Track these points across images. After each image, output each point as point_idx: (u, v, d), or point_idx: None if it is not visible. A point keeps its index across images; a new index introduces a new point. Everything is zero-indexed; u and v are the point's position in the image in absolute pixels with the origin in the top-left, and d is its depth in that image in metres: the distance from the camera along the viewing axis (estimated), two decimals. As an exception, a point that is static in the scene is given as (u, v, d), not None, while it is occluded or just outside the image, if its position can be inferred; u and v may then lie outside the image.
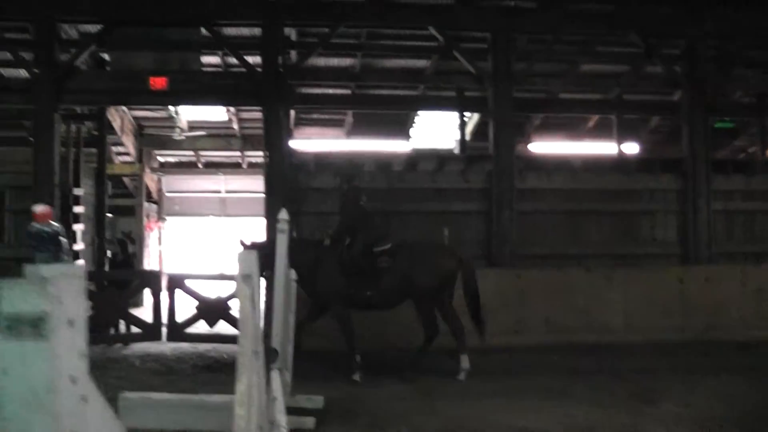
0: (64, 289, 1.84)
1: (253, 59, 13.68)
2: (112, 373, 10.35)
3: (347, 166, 11.68)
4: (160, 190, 23.61)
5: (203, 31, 13.58)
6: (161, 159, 23.52)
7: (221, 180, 24.43)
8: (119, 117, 18.60)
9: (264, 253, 8.93)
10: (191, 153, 23.24)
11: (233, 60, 15.88)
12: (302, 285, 9.80)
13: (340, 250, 10.13)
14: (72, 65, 13.25)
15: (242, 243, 10.31)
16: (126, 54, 13.46)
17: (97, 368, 10.62)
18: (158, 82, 12.87)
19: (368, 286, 10.01)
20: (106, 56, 14.81)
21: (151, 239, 21.85)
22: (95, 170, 15.77)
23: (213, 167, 24.19)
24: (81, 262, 14.44)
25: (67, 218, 13.57)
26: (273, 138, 13.24)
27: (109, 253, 16.06)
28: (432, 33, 13.99)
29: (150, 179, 22.09)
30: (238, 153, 23.28)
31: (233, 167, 24.26)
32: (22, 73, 14.71)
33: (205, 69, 14.96)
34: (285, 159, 13.34)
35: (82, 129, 15.05)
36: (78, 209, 14.25)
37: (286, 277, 7.35)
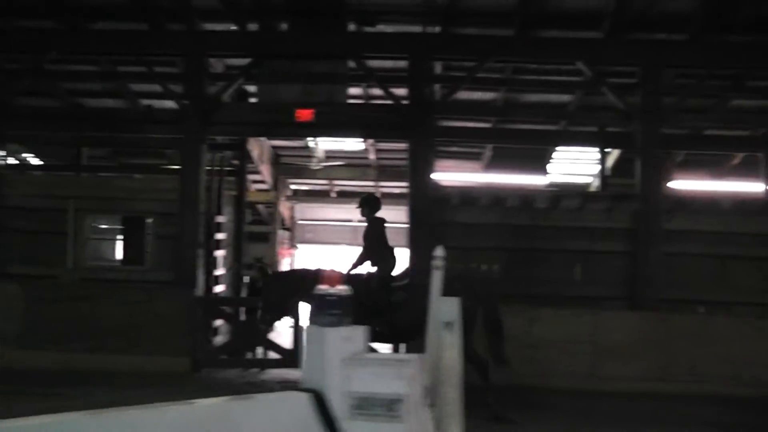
0: (417, 371, 1.88)
1: (397, 91, 13.86)
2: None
3: (371, 198, 11.35)
4: (293, 218, 24.16)
5: (350, 63, 13.89)
6: (294, 187, 24.07)
7: (353, 209, 24.70)
8: (258, 146, 19.15)
9: (292, 284, 10.09)
10: (325, 182, 23.70)
11: (375, 92, 16.17)
12: None
13: (358, 281, 9.90)
14: (219, 98, 13.77)
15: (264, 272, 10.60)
16: (272, 86, 13.84)
17: (236, 392, 11.03)
18: (304, 114, 13.21)
19: (377, 320, 9.73)
20: (249, 89, 15.32)
21: (284, 266, 22.33)
22: (234, 198, 16.28)
23: (346, 196, 24.55)
24: (221, 287, 14.95)
25: (209, 244, 14.06)
26: (418, 171, 13.37)
27: (246, 279, 16.52)
28: (578, 67, 13.88)
29: (284, 207, 22.64)
30: (372, 183, 23.56)
31: (366, 197, 24.52)
32: (168, 104, 15.39)
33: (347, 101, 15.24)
34: (429, 192, 13.44)
35: (224, 158, 15.60)
36: (219, 236, 14.73)
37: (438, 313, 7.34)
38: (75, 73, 16.50)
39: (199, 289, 13.44)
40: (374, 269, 10.41)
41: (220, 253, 14.68)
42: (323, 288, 3.50)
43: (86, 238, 14.89)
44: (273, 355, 13.39)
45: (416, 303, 9.13)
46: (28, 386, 10.98)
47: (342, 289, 3.64)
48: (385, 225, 10.72)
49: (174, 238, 13.70)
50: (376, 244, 10.46)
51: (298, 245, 24.41)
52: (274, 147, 21.12)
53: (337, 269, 10.04)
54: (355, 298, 8.65)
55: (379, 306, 10.01)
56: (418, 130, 13.32)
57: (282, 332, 13.72)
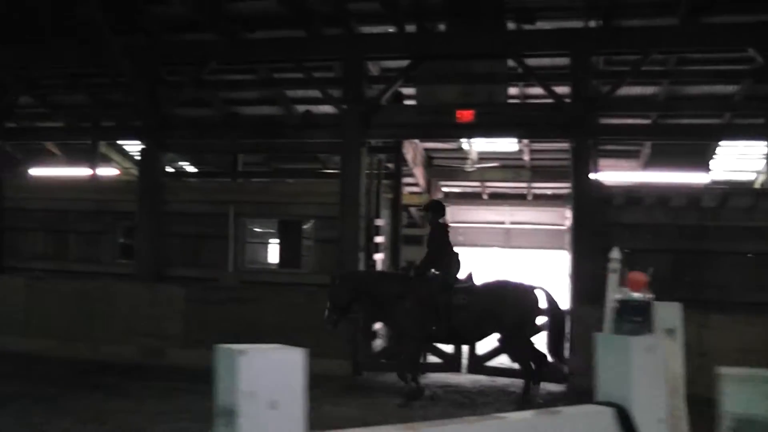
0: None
1: (557, 89, 13.59)
2: (415, 402, 10.77)
3: (435, 204, 11.65)
4: (444, 221, 24.10)
5: (509, 62, 13.72)
6: (446, 189, 24.02)
7: (506, 211, 24.51)
8: (412, 149, 19.20)
9: (358, 286, 10.91)
10: (476, 184, 23.56)
11: (531, 91, 15.93)
12: (382, 314, 11.12)
13: (422, 284, 10.67)
14: (378, 100, 13.86)
15: (332, 276, 11.22)
16: (431, 88, 13.84)
17: (397, 396, 11.01)
18: (465, 115, 13.13)
19: (436, 322, 10.49)
20: (404, 91, 15.36)
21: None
22: (391, 201, 16.36)
23: (498, 198, 24.34)
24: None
25: (369, 248, 14.16)
26: (580, 170, 13.06)
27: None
28: (747, 55, 13.24)
29: (436, 210, 22.58)
30: (524, 184, 23.27)
31: (518, 198, 24.27)
32: (324, 108, 15.61)
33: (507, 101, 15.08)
34: (592, 192, 13.10)
35: (382, 161, 15.70)
36: (378, 239, 14.83)
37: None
38: (233, 82, 17.01)
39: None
40: (437, 272, 10.89)
41: (379, 257, 14.78)
42: (624, 292, 3.37)
43: (245, 242, 15.25)
44: (433, 358, 13.37)
45: (476, 305, 10.52)
46: (192, 384, 11.42)
47: (643, 293, 3.50)
48: (449, 230, 11.23)
49: (334, 242, 13.89)
50: (440, 248, 10.94)
51: (450, 248, 24.31)
52: (427, 149, 21.15)
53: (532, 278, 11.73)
54: (417, 299, 9.89)
55: (440, 307, 10.50)
56: (580, 129, 13.00)
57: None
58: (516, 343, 10.86)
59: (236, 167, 17.94)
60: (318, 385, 10.93)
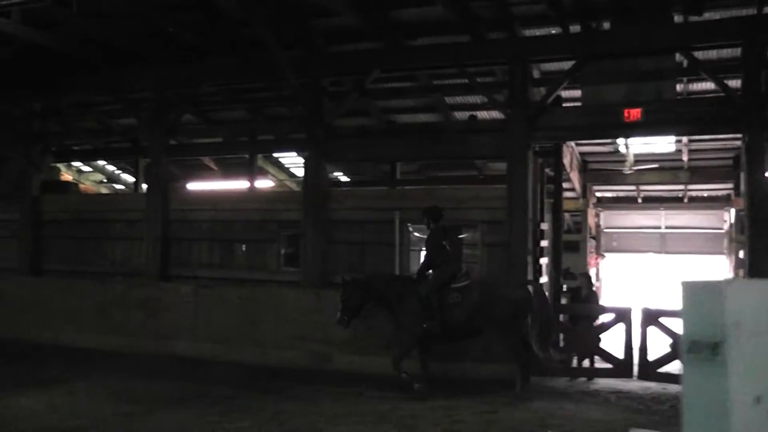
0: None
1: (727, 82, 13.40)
2: (586, 407, 11.15)
3: (433, 210, 12.55)
4: (598, 226, 23.99)
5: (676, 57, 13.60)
6: (599, 194, 23.89)
7: (661, 215, 24.16)
8: (568, 153, 19.25)
9: (366, 288, 12.17)
10: (632, 187, 23.33)
11: (696, 86, 15.72)
12: (393, 313, 12.22)
13: (420, 284, 11.90)
14: (543, 103, 14.02)
15: (343, 279, 12.48)
16: (597, 88, 13.89)
17: (571, 400, 11.14)
18: (633, 114, 13.14)
19: (431, 319, 11.65)
20: (563, 94, 15.45)
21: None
22: (551, 205, 16.43)
23: (652, 202, 24.03)
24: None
25: (535, 252, 14.29)
26: (754, 167, 12.84)
27: (564, 287, 16.58)
28: None
29: (590, 214, 22.54)
30: (680, 187, 22.90)
31: (673, 201, 23.90)
32: (484, 114, 15.75)
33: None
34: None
35: (544, 165, 15.80)
36: (543, 243, 14.95)
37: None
38: (394, 90, 17.40)
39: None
40: (434, 273, 12.06)
41: (544, 261, 14.88)
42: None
43: (409, 248, 15.56)
44: (602, 364, 13.40)
45: (468, 303, 11.56)
46: (363, 388, 12.08)
47: None
48: (446, 233, 12.42)
49: (501, 246, 14.03)
50: (436, 251, 12.12)
51: (605, 254, 24.17)
52: (582, 153, 21.13)
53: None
54: (416, 296, 11.39)
55: (435, 306, 11.63)
56: (754, 123, 12.77)
57: (611, 340, 13.61)
58: (508, 337, 11.76)
59: (394, 176, 18.35)
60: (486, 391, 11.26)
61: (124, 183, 28.83)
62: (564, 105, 15.48)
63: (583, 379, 13.45)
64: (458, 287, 11.86)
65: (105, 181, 29.22)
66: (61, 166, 23.71)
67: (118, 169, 28.45)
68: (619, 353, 13.25)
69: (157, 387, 12.00)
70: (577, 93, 15.11)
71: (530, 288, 12.11)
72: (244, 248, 16.74)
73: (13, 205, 19.60)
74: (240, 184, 22.36)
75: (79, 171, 27.95)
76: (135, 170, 23.67)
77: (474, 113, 16.06)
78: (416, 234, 15.53)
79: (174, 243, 17.13)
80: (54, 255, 19.23)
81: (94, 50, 16.55)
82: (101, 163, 27.87)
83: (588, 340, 13.44)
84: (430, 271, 12.16)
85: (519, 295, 11.85)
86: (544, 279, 14.99)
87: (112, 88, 18.07)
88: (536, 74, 16.01)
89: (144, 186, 21.70)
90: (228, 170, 23.94)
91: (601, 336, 13.62)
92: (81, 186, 24.55)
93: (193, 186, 23.53)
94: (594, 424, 10.06)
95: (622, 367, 13.10)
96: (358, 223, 15.53)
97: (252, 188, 20.26)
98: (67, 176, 25.00)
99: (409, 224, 15.32)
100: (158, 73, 17.00)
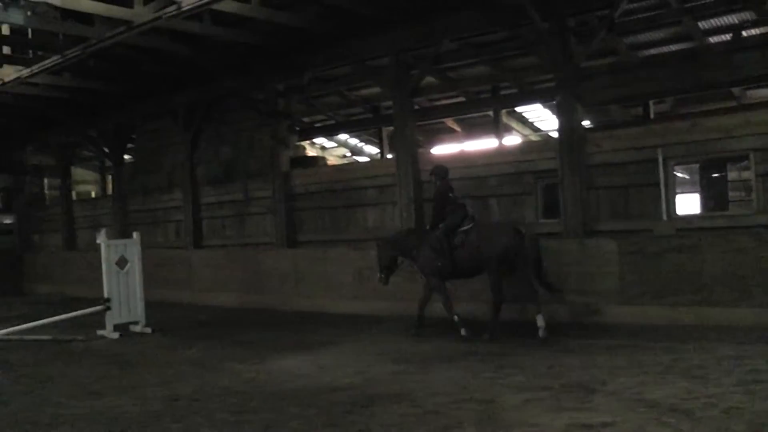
0: None
1: None
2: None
3: (440, 168, 13.94)
4: None
5: None
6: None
7: None
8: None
9: (395, 245, 14.03)
10: None
11: None
12: (416, 264, 13.89)
13: (432, 233, 13.44)
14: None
15: (376, 243, 14.49)
16: None
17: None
18: None
19: (442, 260, 13.21)
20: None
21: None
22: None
23: None
24: None
25: None
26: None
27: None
28: None
29: None
30: None
31: None
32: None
33: None
34: None
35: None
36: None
37: None
38: (643, 20, 16.77)
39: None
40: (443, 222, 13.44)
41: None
42: None
43: (675, 188, 15.01)
44: None
45: (468, 244, 13.02)
46: (638, 339, 11.74)
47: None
48: (451, 187, 13.73)
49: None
50: (442, 203, 13.54)
51: None
52: None
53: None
54: (429, 243, 13.39)
55: (444, 248, 13.16)
56: None
57: None
58: (492, 275, 12.84)
59: (647, 117, 17.74)
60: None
61: (368, 155, 29.53)
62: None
63: None
64: (463, 230, 13.21)
65: (348, 154, 30.16)
66: (305, 144, 24.88)
67: (361, 141, 29.26)
68: None
69: (426, 346, 12.27)
70: None
71: (521, 231, 12.96)
72: (496, 203, 16.83)
73: (266, 182, 20.78)
74: (484, 144, 22.39)
75: (323, 147, 29.18)
76: (379, 140, 24.29)
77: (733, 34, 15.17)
78: (680, 174, 14.91)
79: (427, 204, 17.20)
80: (308, 226, 20.30)
81: (332, 23, 17.08)
82: (343, 137, 28.58)
83: None
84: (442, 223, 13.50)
85: (506, 238, 12.81)
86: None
87: (351, 58, 18.67)
88: None
89: (389, 156, 22.68)
90: (471, 130, 24.07)
91: None
92: (327, 160, 25.31)
93: (437, 150, 23.66)
94: None
95: None
96: (618, 165, 15.16)
97: (500, 145, 20.21)
98: (311, 152, 26.10)
99: (672, 161, 14.68)
100: (396, 37, 17.30)
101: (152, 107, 23.51)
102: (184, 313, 18.75)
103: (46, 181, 32.20)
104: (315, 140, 28.64)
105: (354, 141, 29.33)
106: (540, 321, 12.39)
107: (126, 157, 27.08)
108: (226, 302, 19.86)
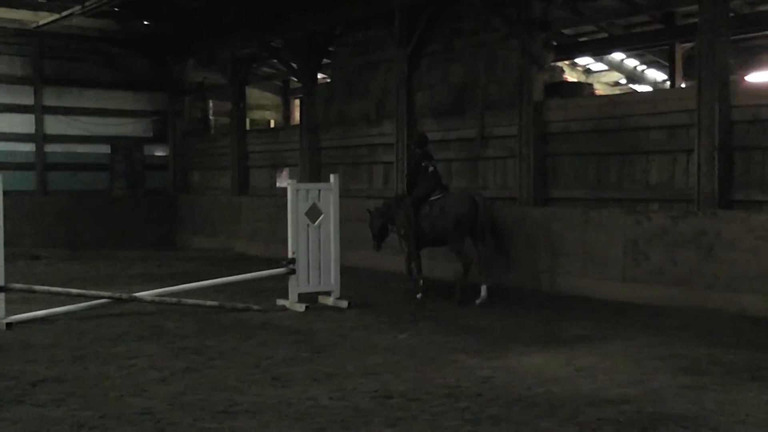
0: None
1: None
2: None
3: (421, 135, 16.40)
4: None
5: None
6: None
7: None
8: None
9: (384, 213, 16.37)
10: None
11: None
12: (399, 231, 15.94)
13: (402, 201, 15.85)
14: None
15: (368, 211, 16.44)
16: None
17: None
18: None
19: (409, 228, 15.10)
20: None
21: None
22: None
23: None
24: None
25: None
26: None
27: None
28: None
29: None
30: None
31: None
32: None
33: None
34: None
35: None
36: None
37: None
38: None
39: None
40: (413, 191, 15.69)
41: None
42: None
43: None
44: None
45: (432, 213, 14.92)
46: None
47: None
48: (422, 157, 15.53)
49: None
50: (414, 172, 15.77)
51: None
52: None
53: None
54: (401, 213, 16.61)
55: (410, 217, 15.08)
56: None
57: None
58: (454, 241, 14.65)
59: None
60: None
61: (652, 83, 26.36)
62: None
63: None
64: (431, 201, 14.87)
65: (624, 82, 27.28)
66: (565, 65, 22.78)
67: (643, 63, 26.09)
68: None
69: (730, 356, 10.56)
70: None
71: (478, 198, 14.75)
72: None
73: (510, 116, 18.27)
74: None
75: (588, 71, 26.63)
76: (670, 62, 21.53)
77: None
78: None
79: (739, 154, 14.52)
80: (564, 178, 17.90)
81: None
82: (618, 57, 25.75)
83: None
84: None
85: (460, 208, 14.45)
86: None
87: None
88: None
89: (683, 85, 20.50)
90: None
91: None
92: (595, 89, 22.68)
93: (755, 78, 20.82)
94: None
95: None
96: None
97: None
98: (571, 78, 23.60)
99: None
100: None
101: (359, 10, 21.39)
102: (389, 283, 17.48)
103: (211, 104, 30.61)
104: (578, 60, 25.93)
105: (633, 63, 26.18)
106: (457, 294, 14.30)
107: (320, 76, 25.75)
108: (442, 275, 17.68)
